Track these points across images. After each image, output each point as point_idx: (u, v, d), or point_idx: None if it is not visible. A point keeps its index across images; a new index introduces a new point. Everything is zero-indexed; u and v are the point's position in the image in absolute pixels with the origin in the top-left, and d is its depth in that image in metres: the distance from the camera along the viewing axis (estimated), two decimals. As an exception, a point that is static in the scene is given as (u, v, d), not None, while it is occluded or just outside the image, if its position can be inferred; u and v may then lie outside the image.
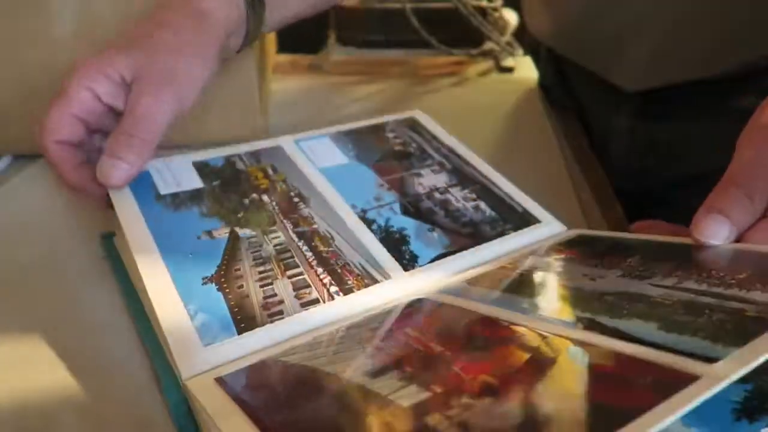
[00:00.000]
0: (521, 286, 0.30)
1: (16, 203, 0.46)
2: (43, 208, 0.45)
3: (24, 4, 0.47)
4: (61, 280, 0.36)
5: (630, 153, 0.56)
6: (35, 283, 0.36)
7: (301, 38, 0.49)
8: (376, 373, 0.23)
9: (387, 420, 0.20)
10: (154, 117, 0.35)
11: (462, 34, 0.80)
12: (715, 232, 0.28)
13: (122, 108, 0.36)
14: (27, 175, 0.50)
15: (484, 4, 0.80)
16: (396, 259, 0.33)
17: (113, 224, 0.41)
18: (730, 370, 0.18)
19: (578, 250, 0.33)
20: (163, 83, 0.35)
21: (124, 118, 0.35)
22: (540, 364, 0.22)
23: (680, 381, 0.18)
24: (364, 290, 0.31)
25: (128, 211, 0.34)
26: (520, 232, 0.36)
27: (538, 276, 0.31)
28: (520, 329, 0.24)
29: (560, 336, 0.23)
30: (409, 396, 0.21)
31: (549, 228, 0.37)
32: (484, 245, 0.35)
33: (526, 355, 0.22)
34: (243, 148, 0.42)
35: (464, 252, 0.34)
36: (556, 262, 0.32)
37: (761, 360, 0.18)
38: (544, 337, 0.23)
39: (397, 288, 0.31)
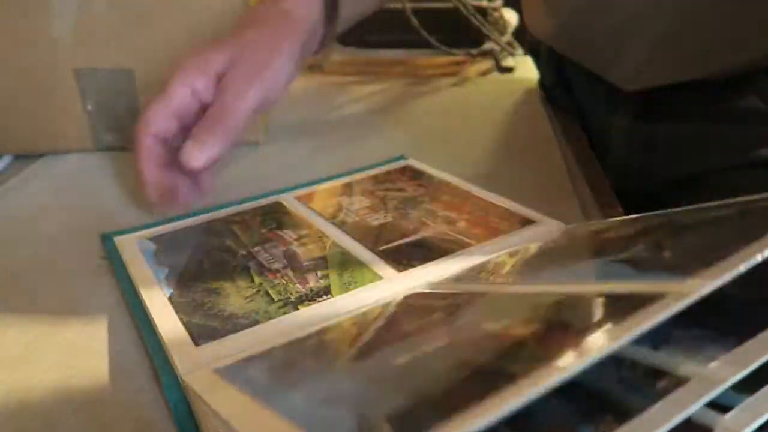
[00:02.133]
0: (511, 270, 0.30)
1: (16, 203, 0.46)
2: (43, 208, 0.45)
3: (24, 4, 0.47)
4: (61, 280, 0.36)
5: (629, 153, 0.56)
6: (35, 283, 0.36)
7: (301, 38, 0.49)
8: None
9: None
10: (238, 107, 0.37)
11: (462, 34, 0.80)
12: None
13: None
14: (27, 175, 0.50)
15: (484, 4, 0.80)
16: (391, 264, 0.34)
17: (115, 224, 0.41)
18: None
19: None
20: (250, 76, 0.37)
21: (211, 106, 0.37)
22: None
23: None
24: (360, 288, 0.31)
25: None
26: (515, 232, 0.36)
27: (527, 260, 0.31)
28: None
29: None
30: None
31: (546, 227, 0.37)
32: (479, 245, 0.35)
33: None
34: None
35: (459, 252, 0.34)
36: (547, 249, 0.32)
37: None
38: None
39: (392, 286, 0.32)
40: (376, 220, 0.39)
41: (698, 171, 0.53)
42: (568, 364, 0.14)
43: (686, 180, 0.54)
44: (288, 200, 0.43)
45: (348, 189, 0.44)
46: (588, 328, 0.17)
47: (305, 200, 0.43)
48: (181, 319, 0.30)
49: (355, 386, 0.19)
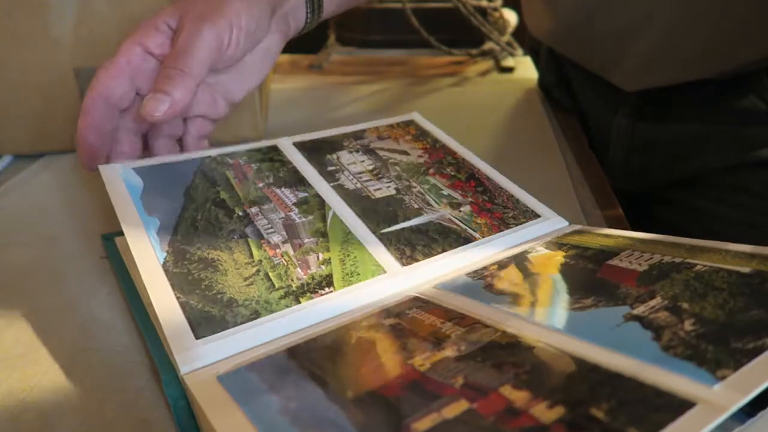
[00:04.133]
0: (520, 286, 0.30)
1: (16, 203, 0.46)
2: (43, 208, 0.45)
3: (24, 4, 0.47)
4: (61, 280, 0.36)
5: (629, 153, 0.56)
6: (35, 283, 0.36)
7: (301, 38, 0.49)
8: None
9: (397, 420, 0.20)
10: (191, 50, 0.36)
11: (462, 34, 0.80)
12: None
13: None
14: (27, 175, 0.50)
15: (484, 4, 0.81)
16: (394, 254, 0.33)
17: (115, 223, 0.41)
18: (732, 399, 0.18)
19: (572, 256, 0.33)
20: (201, 19, 0.36)
21: (166, 56, 0.36)
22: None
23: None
24: (362, 283, 0.31)
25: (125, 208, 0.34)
26: (522, 226, 0.36)
27: (536, 277, 0.31)
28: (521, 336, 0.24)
29: (557, 347, 0.23)
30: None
31: (551, 222, 0.37)
32: (485, 240, 0.35)
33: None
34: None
35: (466, 246, 0.34)
36: (554, 260, 0.32)
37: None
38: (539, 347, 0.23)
39: (396, 282, 0.31)
40: (378, 190, 0.38)
41: (697, 171, 0.53)
42: None
43: (686, 180, 0.54)
44: (285, 145, 0.41)
45: (348, 141, 0.43)
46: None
47: (302, 148, 0.41)
48: (178, 298, 0.29)
49: None
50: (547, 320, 0.26)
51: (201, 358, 0.26)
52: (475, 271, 0.32)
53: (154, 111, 0.35)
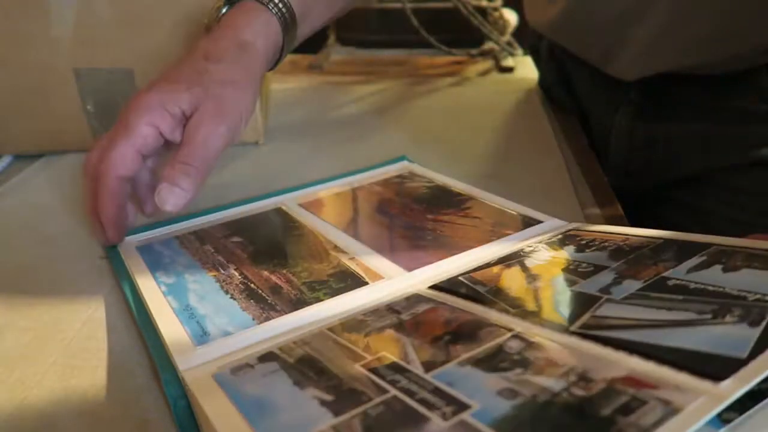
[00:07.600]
0: (516, 286, 0.30)
1: (16, 203, 0.46)
2: (43, 208, 0.45)
3: (24, 4, 0.47)
4: (61, 280, 0.36)
5: (629, 153, 0.56)
6: (35, 283, 0.36)
7: (301, 38, 0.49)
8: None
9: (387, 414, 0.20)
10: (209, 146, 0.36)
11: (462, 34, 0.80)
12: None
13: (178, 141, 0.37)
14: (27, 175, 0.50)
15: (484, 4, 0.81)
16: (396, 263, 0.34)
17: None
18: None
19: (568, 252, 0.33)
20: (218, 115, 0.37)
21: (181, 147, 0.36)
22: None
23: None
24: (361, 288, 0.31)
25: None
26: (523, 231, 0.36)
27: (532, 275, 0.31)
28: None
29: (552, 341, 0.23)
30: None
31: (550, 224, 0.37)
32: (488, 245, 0.35)
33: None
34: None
35: (469, 251, 0.34)
36: (552, 259, 0.32)
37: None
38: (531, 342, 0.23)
39: (395, 282, 0.32)
40: (381, 222, 0.39)
41: (698, 171, 0.53)
42: None
43: (686, 180, 0.54)
44: (290, 206, 0.42)
45: (354, 196, 0.44)
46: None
47: (310, 208, 0.42)
48: (181, 323, 0.30)
49: None
50: (547, 322, 0.26)
51: (200, 357, 0.27)
52: (475, 270, 0.32)
53: (166, 204, 0.35)
